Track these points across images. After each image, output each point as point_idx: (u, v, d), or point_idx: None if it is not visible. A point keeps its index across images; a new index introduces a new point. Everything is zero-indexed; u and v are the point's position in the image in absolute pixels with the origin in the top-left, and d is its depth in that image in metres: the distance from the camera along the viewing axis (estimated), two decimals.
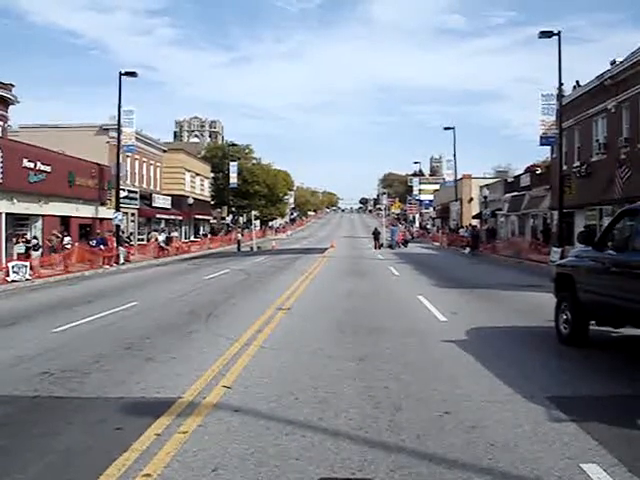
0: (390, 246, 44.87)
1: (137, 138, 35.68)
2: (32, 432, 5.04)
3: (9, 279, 19.09)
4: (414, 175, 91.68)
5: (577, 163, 29.10)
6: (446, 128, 48.16)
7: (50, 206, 27.96)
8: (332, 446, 4.60)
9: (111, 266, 26.48)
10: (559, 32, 24.42)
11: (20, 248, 23.79)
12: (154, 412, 5.44)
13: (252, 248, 44.66)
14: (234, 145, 69.36)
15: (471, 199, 55.85)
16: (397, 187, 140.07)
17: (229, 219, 65.71)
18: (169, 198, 47.26)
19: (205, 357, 7.78)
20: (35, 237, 25.22)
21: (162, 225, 44.89)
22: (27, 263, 20.35)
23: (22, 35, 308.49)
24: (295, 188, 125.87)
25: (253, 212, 56.47)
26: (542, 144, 27.97)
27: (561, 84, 26.37)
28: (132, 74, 29.26)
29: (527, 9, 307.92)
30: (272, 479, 4.04)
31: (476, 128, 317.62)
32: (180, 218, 49.55)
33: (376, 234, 46.39)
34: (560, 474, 4.04)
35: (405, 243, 47.47)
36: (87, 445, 4.73)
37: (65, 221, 29.73)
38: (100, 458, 4.40)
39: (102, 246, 27.50)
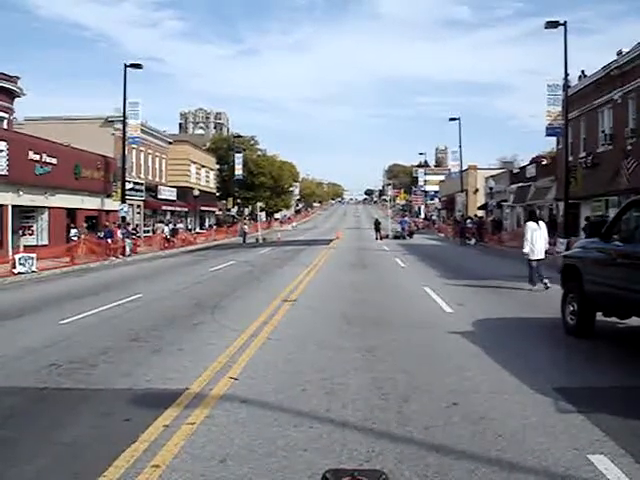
0: (397, 237, 46.47)
1: (142, 130, 35.66)
2: (40, 423, 5.07)
3: (15, 271, 19.16)
4: (419, 166, 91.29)
5: (583, 154, 28.95)
6: (451, 119, 48.04)
7: (56, 198, 28.07)
8: (340, 437, 4.61)
9: (117, 258, 26.55)
10: (565, 22, 24.21)
11: None
12: (161, 403, 5.46)
13: (257, 240, 44.67)
14: (239, 137, 69.12)
15: (477, 190, 55.70)
16: (402, 178, 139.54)
17: (234, 211, 65.70)
18: (174, 190, 47.32)
19: (211, 349, 7.79)
20: None
21: (168, 217, 44.97)
22: (34, 255, 20.40)
23: (29, 28, 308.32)
24: (300, 179, 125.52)
25: (258, 204, 56.40)
26: (548, 135, 27.82)
27: (567, 74, 26.20)
28: (137, 66, 29.23)
29: (534, 0, 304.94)
30: (280, 470, 4.05)
31: (482, 120, 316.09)
32: (186, 210, 49.68)
33: (377, 225, 46.77)
34: (567, 465, 4.04)
35: (411, 234, 48.30)
36: (95, 436, 4.76)
37: (71, 213, 29.82)
38: (108, 449, 4.42)
39: (109, 239, 27.52)
